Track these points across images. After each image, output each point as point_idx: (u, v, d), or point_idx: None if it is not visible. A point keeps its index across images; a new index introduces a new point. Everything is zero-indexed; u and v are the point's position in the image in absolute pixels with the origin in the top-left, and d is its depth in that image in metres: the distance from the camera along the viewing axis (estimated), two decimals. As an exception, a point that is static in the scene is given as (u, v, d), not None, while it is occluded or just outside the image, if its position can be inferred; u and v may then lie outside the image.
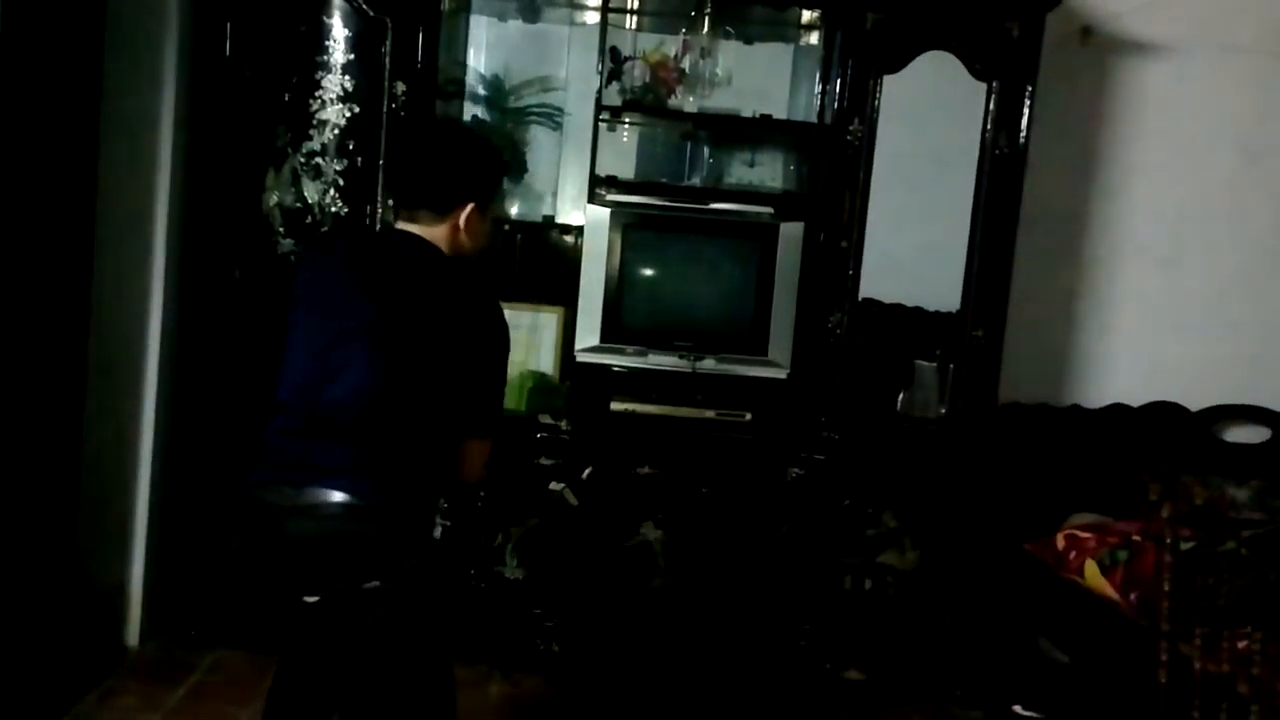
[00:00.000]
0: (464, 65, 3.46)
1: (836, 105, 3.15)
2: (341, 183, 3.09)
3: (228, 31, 3.04)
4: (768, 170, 3.52)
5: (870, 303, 3.22)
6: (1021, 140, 3.16)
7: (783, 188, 3.47)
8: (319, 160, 3.08)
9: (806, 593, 3.24)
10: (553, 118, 3.49)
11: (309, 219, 3.10)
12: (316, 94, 3.05)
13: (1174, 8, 3.53)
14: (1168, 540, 1.99)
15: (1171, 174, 3.63)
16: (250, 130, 3.08)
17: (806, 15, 3.35)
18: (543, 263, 3.52)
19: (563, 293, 3.33)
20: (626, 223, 3.19)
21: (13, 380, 2.50)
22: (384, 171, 3.08)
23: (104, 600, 3.11)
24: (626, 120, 3.45)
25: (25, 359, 2.59)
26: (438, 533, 3.03)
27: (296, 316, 2.05)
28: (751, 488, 3.20)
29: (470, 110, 3.48)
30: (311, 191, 3.10)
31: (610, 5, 3.24)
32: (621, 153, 3.47)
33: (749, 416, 3.23)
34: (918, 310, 3.24)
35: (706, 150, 3.44)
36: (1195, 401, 3.62)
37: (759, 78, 3.43)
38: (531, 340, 3.37)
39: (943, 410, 3.25)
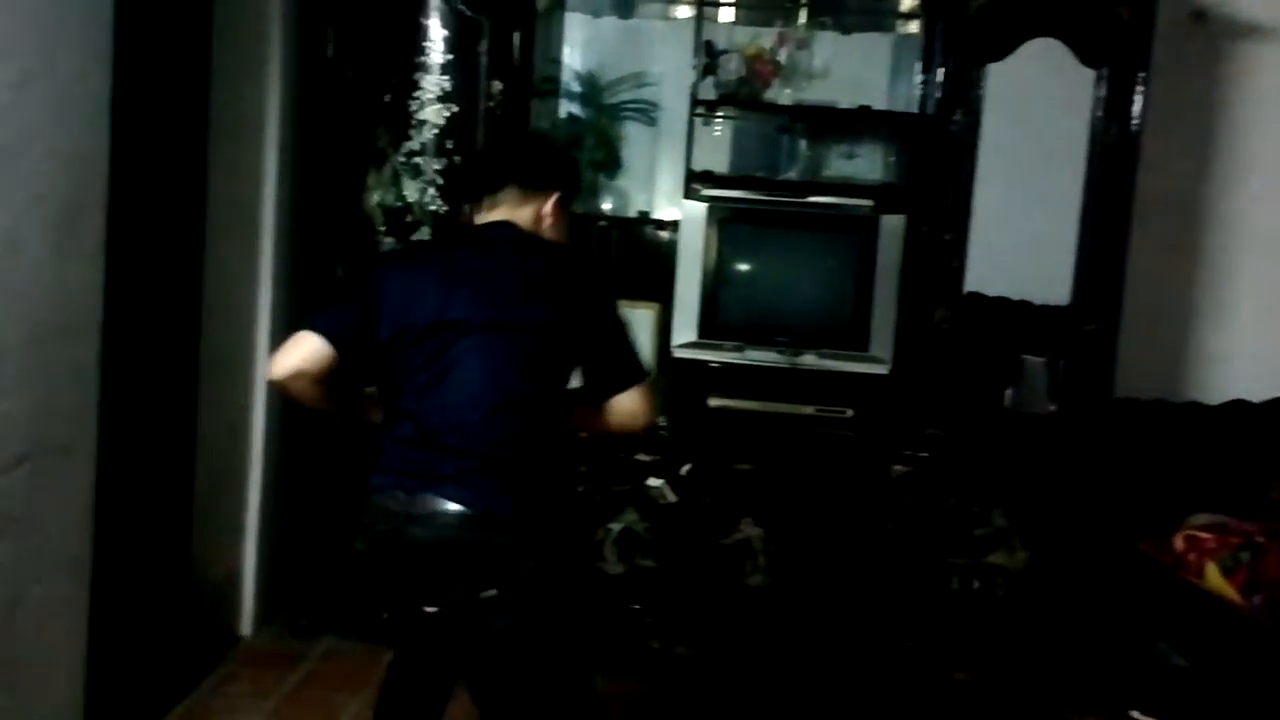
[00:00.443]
0: (559, 63, 3.48)
1: (939, 95, 3.08)
2: (440, 182, 3.13)
3: (330, 34, 3.11)
4: (866, 163, 3.46)
5: (975, 296, 3.14)
6: (1134, 128, 3.06)
7: (882, 180, 3.41)
8: (418, 159, 3.13)
9: (912, 592, 3.17)
10: (647, 113, 3.50)
11: (409, 217, 3.15)
12: (415, 94, 3.10)
13: (1289, -12, 3.39)
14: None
15: (1291, 160, 3.47)
16: (352, 131, 3.14)
17: (906, 3, 3.32)
18: (638, 259, 3.53)
19: (659, 289, 3.32)
20: (723, 217, 3.17)
21: (129, 377, 2.59)
22: (467, 167, 3.10)
23: (217, 590, 3.20)
24: (721, 114, 3.43)
25: (141, 357, 2.68)
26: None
27: (398, 325, 1.96)
28: (853, 485, 3.15)
29: (566, 107, 3.51)
30: (411, 190, 3.14)
31: (705, -1, 3.23)
32: (716, 147, 3.45)
33: (850, 413, 3.18)
34: (1024, 304, 3.15)
35: (803, 143, 3.41)
36: (1321, 397, 3.45)
37: (857, 69, 3.39)
38: (628, 337, 3.37)
39: (1053, 407, 3.16)
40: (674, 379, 3.26)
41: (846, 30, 3.40)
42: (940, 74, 3.08)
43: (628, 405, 2.00)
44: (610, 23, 3.51)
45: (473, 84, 3.09)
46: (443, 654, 2.03)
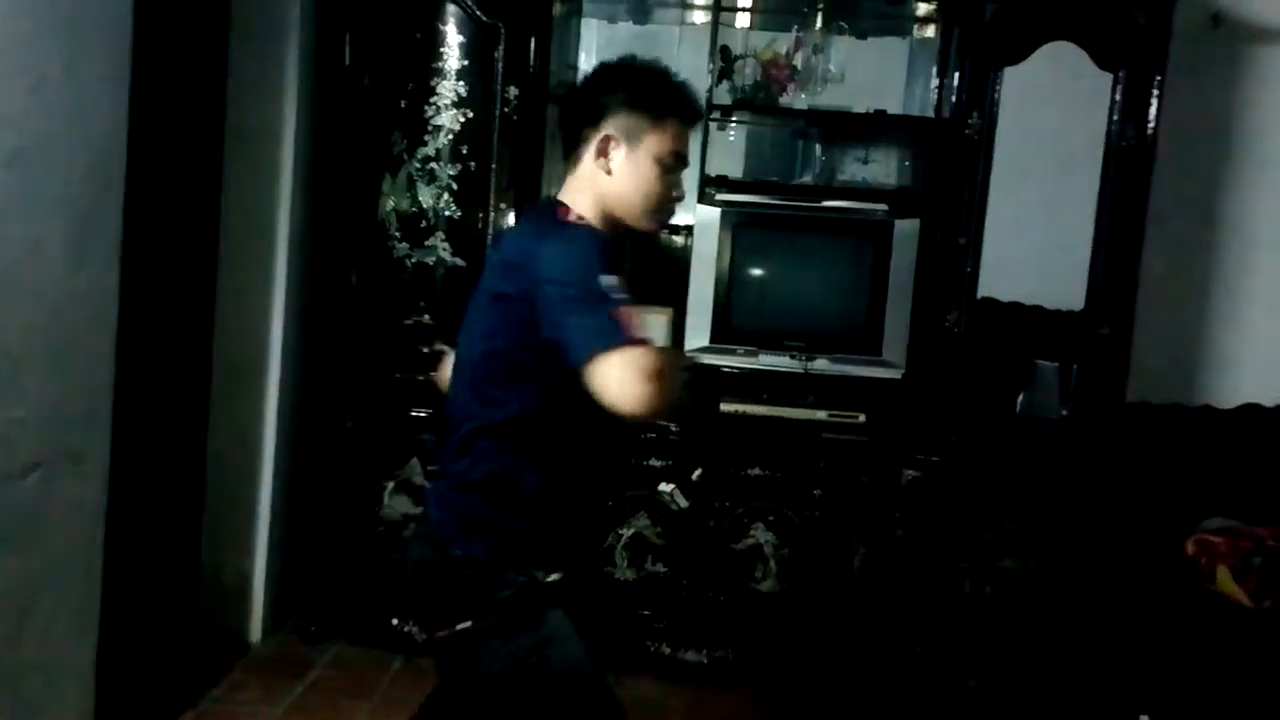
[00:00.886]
0: (575, 68, 3.47)
1: (954, 99, 3.07)
2: (456, 187, 3.13)
3: (347, 41, 3.11)
4: (881, 167, 3.46)
5: (988, 301, 3.13)
6: (1150, 131, 3.05)
7: (897, 184, 3.41)
8: (434, 165, 3.12)
9: (923, 598, 3.17)
10: (662, 118, 3.48)
11: (423, 223, 3.15)
12: (431, 100, 3.10)
13: (1308, -9, 3.37)
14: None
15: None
16: (368, 137, 3.14)
17: (922, 8, 3.30)
18: (652, 264, 3.52)
19: (672, 294, 3.31)
20: (736, 222, 3.16)
21: (141, 385, 2.58)
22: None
23: (227, 597, 3.21)
24: (736, 119, 3.42)
25: (153, 364, 2.68)
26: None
27: None
28: (865, 490, 3.14)
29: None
30: (426, 196, 3.14)
31: (721, 4, 3.23)
32: (731, 152, 3.45)
33: (863, 418, 3.17)
34: (1037, 309, 3.15)
35: (818, 148, 3.40)
36: (1336, 403, 3.45)
37: (873, 73, 3.38)
38: (641, 341, 3.36)
39: (1065, 411, 3.15)
40: (686, 384, 3.24)
41: (862, 35, 3.39)
42: (956, 78, 3.07)
43: (596, 386, 1.53)
44: (626, 28, 3.50)
45: (489, 90, 3.09)
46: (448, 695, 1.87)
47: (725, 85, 3.29)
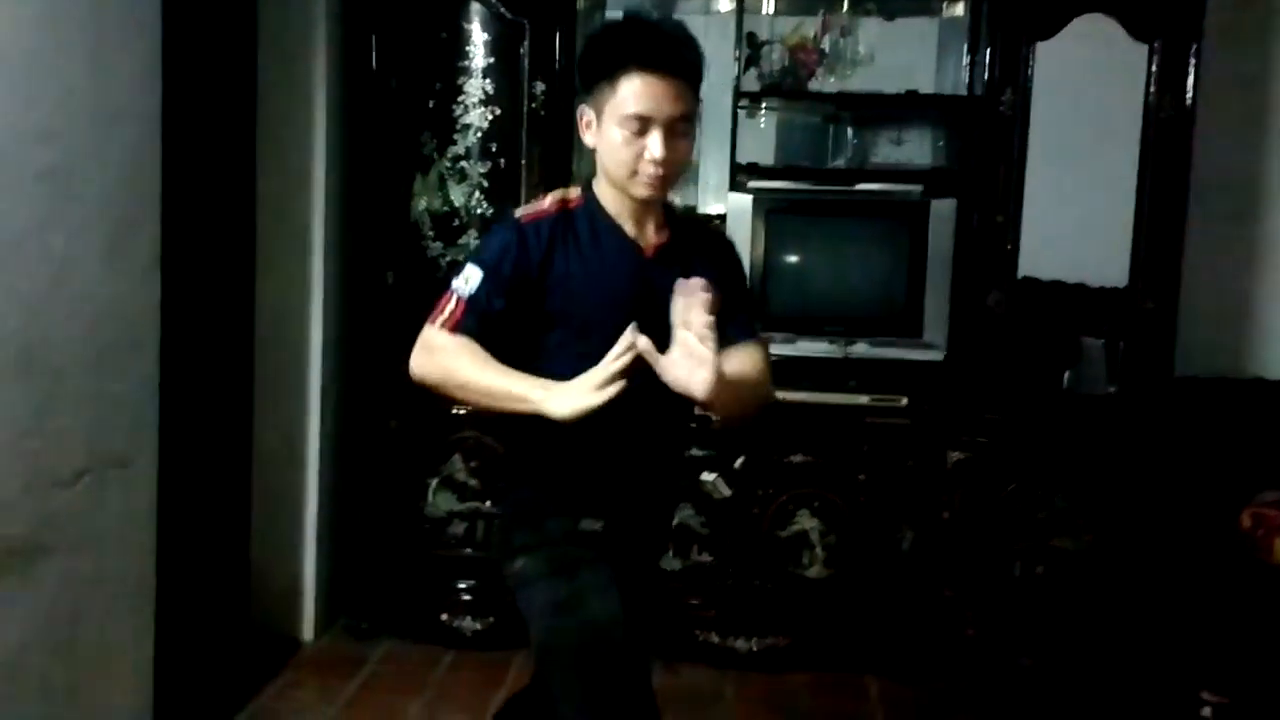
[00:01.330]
0: (601, 61, 3.47)
1: (987, 76, 3.04)
2: (486, 185, 3.14)
3: (373, 44, 3.13)
4: (915, 148, 3.42)
5: (1029, 280, 3.10)
6: (1188, 101, 3.01)
7: (932, 165, 3.37)
8: (464, 164, 3.14)
9: (974, 580, 3.14)
10: (691, 108, 3.47)
11: (456, 222, 3.17)
12: (459, 99, 3.11)
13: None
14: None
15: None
16: (398, 138, 3.16)
17: (951, -14, 3.25)
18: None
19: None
20: (770, 209, 3.14)
21: (186, 389, 2.62)
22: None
23: (278, 597, 3.24)
24: (765, 106, 3.40)
25: (197, 369, 2.72)
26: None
27: None
28: (911, 473, 3.12)
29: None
30: (457, 195, 3.16)
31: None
32: (761, 139, 3.43)
33: (905, 401, 3.14)
34: (1080, 286, 3.11)
35: (850, 131, 3.37)
36: (1389, 369, 3.37)
37: (902, 54, 3.34)
38: (677, 332, 3.36)
39: (1112, 388, 3.10)
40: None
41: (890, 16, 3.35)
42: (987, 55, 3.04)
43: None
44: (651, 18, 3.49)
45: (515, 86, 3.10)
46: None
47: (753, 72, 3.27)
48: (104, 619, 2.30)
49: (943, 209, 3.11)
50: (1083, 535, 3.13)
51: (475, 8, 3.10)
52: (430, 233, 3.18)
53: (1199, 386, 3.35)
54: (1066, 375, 3.14)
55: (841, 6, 3.26)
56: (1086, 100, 3.06)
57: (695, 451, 3.13)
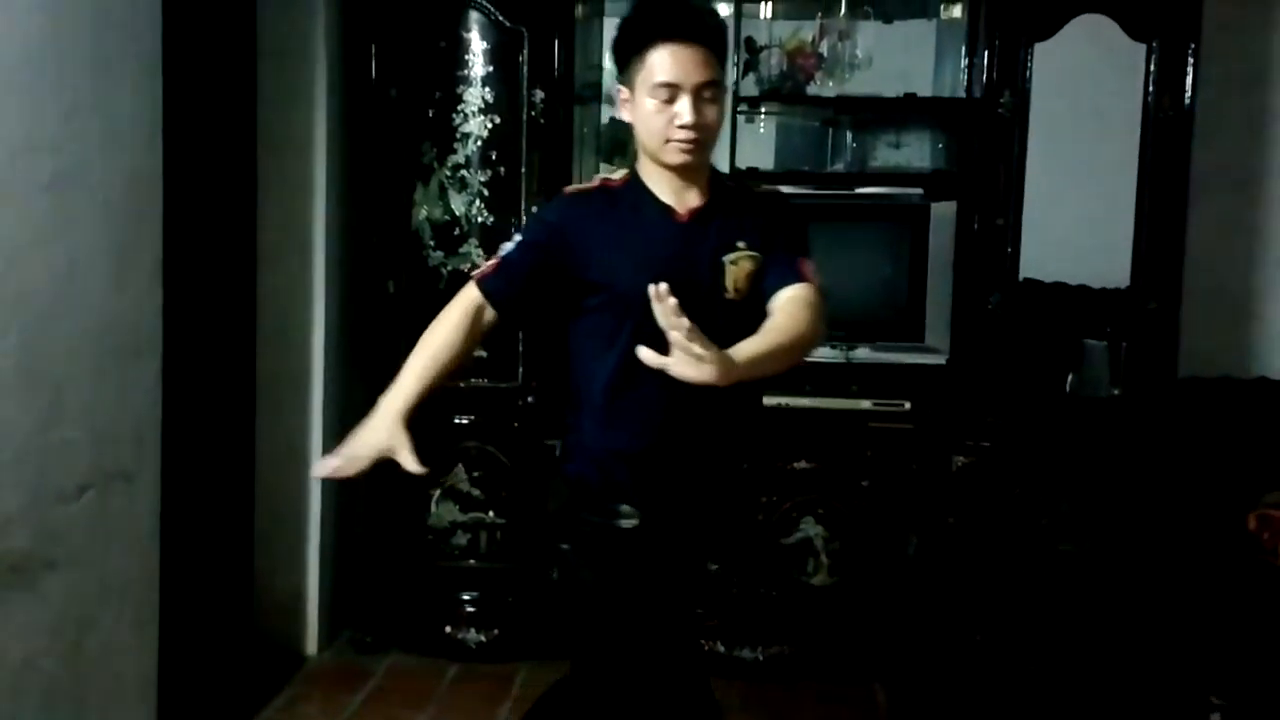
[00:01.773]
0: (600, 69, 3.47)
1: (985, 78, 3.04)
2: (486, 193, 3.14)
3: (373, 54, 3.13)
4: (914, 151, 3.42)
5: (1031, 283, 3.10)
6: (1187, 101, 3.01)
7: (931, 168, 3.37)
8: (464, 173, 3.14)
9: (979, 585, 3.12)
10: (689, 114, 3.46)
11: (456, 231, 3.16)
12: (458, 108, 3.11)
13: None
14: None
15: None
16: (398, 147, 3.16)
17: (948, -12, 3.26)
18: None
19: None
20: (770, 214, 3.13)
21: (188, 401, 2.61)
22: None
23: (281, 610, 3.23)
24: (765, 111, 3.40)
25: (199, 380, 2.71)
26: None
27: None
28: (915, 479, 3.11)
29: (608, 112, 3.49)
30: (458, 204, 3.15)
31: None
32: (760, 143, 3.43)
33: (908, 405, 3.13)
34: (1082, 288, 3.10)
35: (849, 135, 3.37)
36: (1394, 368, 3.36)
37: (900, 57, 3.34)
38: (678, 339, 3.36)
39: (1116, 390, 3.10)
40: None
41: (888, 19, 3.36)
42: (985, 57, 3.04)
43: None
44: (649, 25, 3.49)
45: (515, 94, 3.10)
46: None
47: (751, 77, 3.27)
48: (108, 633, 2.28)
49: (943, 212, 3.10)
50: (1088, 540, 3.12)
51: (474, 16, 3.10)
52: (431, 242, 3.17)
53: (1203, 387, 3.35)
54: (1070, 378, 3.13)
55: (839, 10, 3.26)
56: (1085, 101, 3.06)
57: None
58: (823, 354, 3.13)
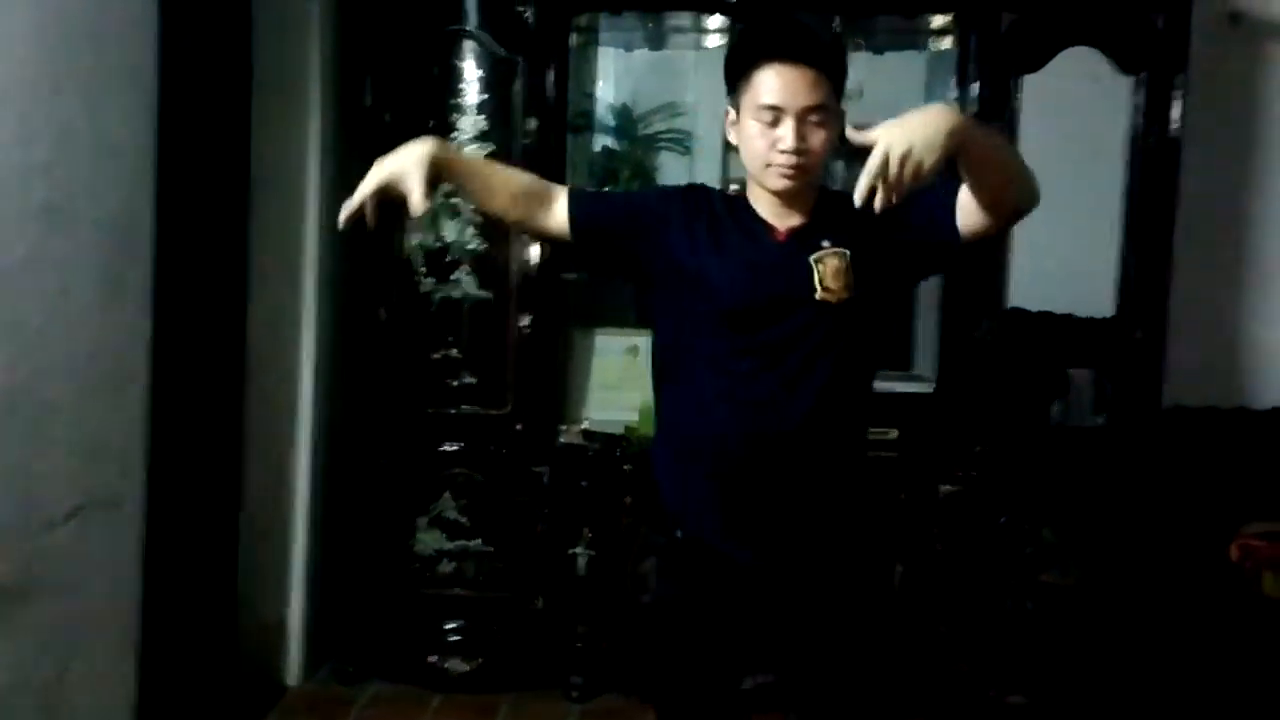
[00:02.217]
0: (593, 97, 3.50)
1: (975, 109, 3.05)
2: (479, 220, 3.14)
3: (368, 82, 3.14)
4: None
5: (1018, 311, 3.11)
6: (1173, 133, 3.03)
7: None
8: (456, 200, 3.13)
9: (965, 615, 3.12)
10: (681, 143, 3.50)
11: (448, 258, 3.16)
12: (452, 135, 3.11)
13: (1324, -13, 3.36)
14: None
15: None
16: (391, 174, 3.15)
17: (938, 20, 3.28)
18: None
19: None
20: (762, 242, 3.15)
21: (176, 427, 2.60)
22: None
23: (264, 638, 3.20)
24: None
25: (187, 406, 2.69)
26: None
27: None
28: (902, 507, 3.10)
29: (601, 141, 3.52)
30: (450, 231, 3.15)
31: (735, 27, 3.22)
32: (752, 174, 3.44)
33: (895, 433, 3.13)
34: (1068, 317, 3.12)
35: (840, 165, 3.38)
36: (1374, 399, 3.39)
37: (891, 88, 3.36)
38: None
39: (1101, 419, 3.11)
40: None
41: (879, 50, 3.39)
42: (975, 88, 3.06)
43: None
44: (642, 55, 3.52)
45: (508, 122, 3.11)
46: None
47: (744, 107, 3.29)
48: (90, 661, 2.26)
49: (933, 242, 3.11)
50: (1071, 570, 3.12)
51: (469, 45, 3.11)
52: (422, 269, 3.17)
53: (1187, 417, 3.37)
54: (1055, 407, 3.15)
55: (829, 42, 3.29)
56: (1073, 132, 3.08)
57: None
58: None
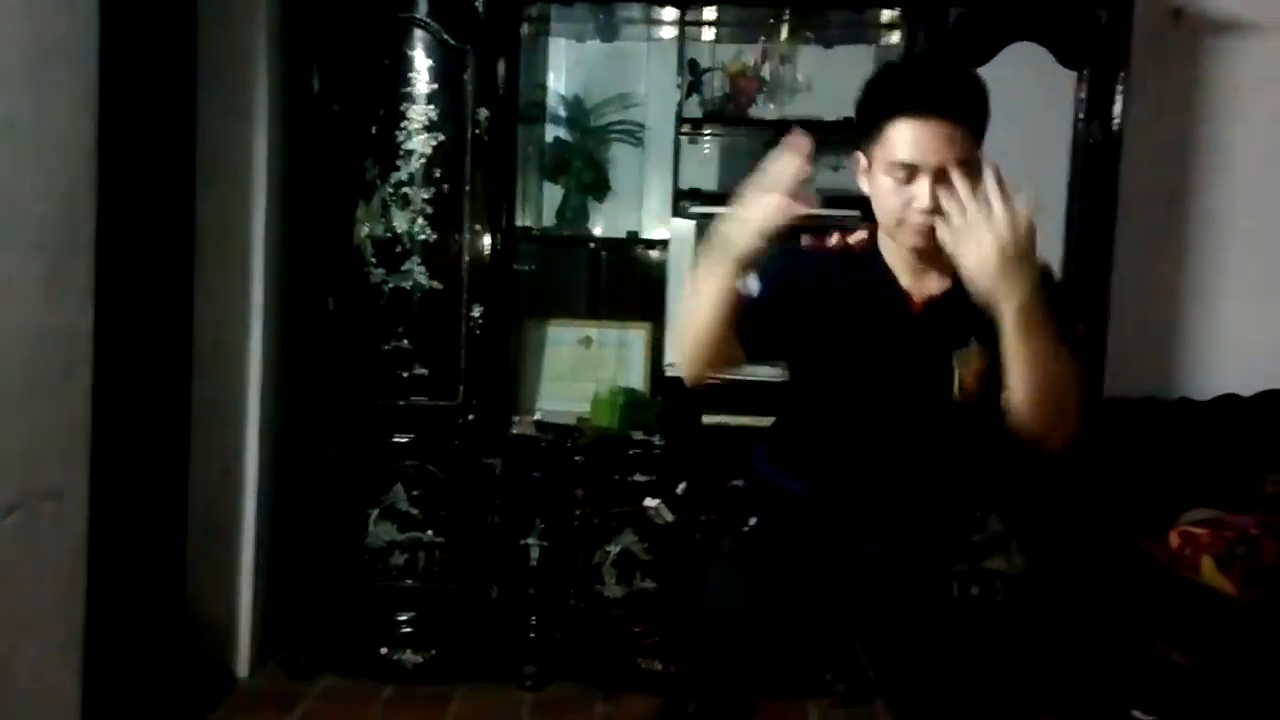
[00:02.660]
0: (545, 88, 3.49)
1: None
2: (430, 211, 3.12)
3: (315, 70, 3.11)
4: (853, 174, 3.46)
5: (965, 303, 3.15)
6: (1115, 128, 3.07)
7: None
8: (407, 190, 3.12)
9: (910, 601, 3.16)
10: (634, 134, 3.50)
11: (399, 248, 3.14)
12: (402, 125, 3.09)
13: (1265, -17, 3.42)
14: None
15: (1273, 154, 3.48)
16: (340, 164, 3.13)
17: (886, 15, 3.31)
18: (629, 279, 3.53)
19: (650, 308, 3.32)
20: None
21: (120, 419, 2.57)
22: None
23: (213, 632, 3.17)
24: (708, 132, 3.43)
25: (132, 399, 2.66)
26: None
27: None
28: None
29: (553, 132, 3.51)
30: (400, 221, 3.14)
31: (687, 18, 3.23)
32: (704, 165, 3.46)
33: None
34: (1015, 308, 3.16)
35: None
36: (1311, 389, 3.47)
37: (840, 81, 3.35)
38: (621, 357, 3.38)
39: (1045, 409, 3.16)
40: (668, 397, 3.25)
41: (828, 44, 3.41)
42: (922, 83, 3.09)
43: None
44: (594, 46, 3.51)
45: (459, 112, 3.09)
46: None
47: (695, 99, 3.30)
48: (36, 656, 2.23)
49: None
50: (1016, 557, 3.18)
51: (418, 34, 3.08)
52: (373, 259, 3.15)
53: (1128, 407, 3.43)
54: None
55: (780, 34, 3.31)
56: (1019, 126, 3.07)
57: (638, 477, 3.13)
58: (764, 373, 3.15)
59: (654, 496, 3.13)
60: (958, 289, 1.65)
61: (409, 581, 3.22)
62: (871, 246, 1.75)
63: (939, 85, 1.62)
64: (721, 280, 1.61)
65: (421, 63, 3.09)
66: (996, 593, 3.18)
